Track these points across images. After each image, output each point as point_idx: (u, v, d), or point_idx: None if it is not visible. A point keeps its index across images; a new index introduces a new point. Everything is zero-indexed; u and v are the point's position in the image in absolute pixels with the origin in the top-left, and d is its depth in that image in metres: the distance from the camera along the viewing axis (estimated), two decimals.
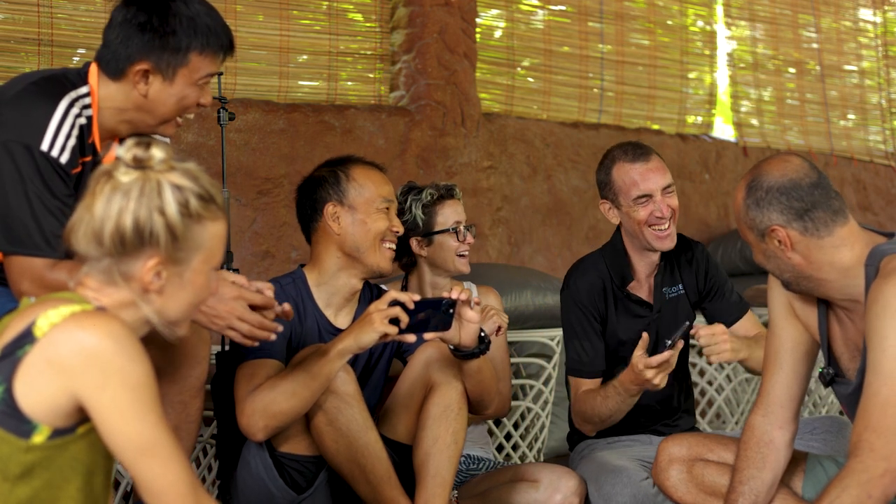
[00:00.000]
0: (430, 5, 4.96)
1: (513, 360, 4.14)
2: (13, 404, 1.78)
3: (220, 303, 2.54)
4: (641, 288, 3.40)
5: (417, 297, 2.76)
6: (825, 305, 2.67)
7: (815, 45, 6.85)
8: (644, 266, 3.39)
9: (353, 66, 4.94)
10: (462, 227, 3.53)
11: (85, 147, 2.60)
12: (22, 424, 1.79)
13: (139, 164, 1.83)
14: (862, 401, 2.44)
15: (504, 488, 3.22)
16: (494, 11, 5.44)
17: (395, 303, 2.74)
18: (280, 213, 4.48)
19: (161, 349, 2.79)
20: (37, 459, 1.81)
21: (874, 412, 2.39)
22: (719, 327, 3.13)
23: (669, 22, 6.15)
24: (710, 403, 5.03)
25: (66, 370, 1.76)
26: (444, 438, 2.91)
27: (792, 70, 6.77)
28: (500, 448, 4.25)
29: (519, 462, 4.24)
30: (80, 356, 1.76)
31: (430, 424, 2.92)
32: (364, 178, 3.07)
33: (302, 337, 3.01)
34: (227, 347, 3.13)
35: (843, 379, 2.69)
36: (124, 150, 1.83)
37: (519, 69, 5.55)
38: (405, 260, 3.61)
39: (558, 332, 4.39)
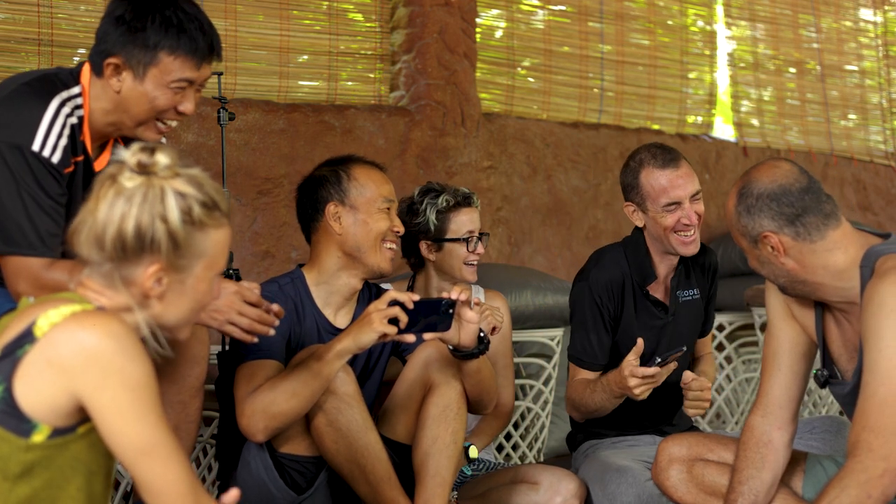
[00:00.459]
0: (430, 5, 4.95)
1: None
2: (13, 404, 1.78)
3: (220, 297, 2.55)
4: (659, 289, 3.41)
5: (417, 297, 2.76)
6: (822, 307, 2.67)
7: (815, 45, 6.85)
8: (664, 268, 3.40)
9: (353, 66, 4.94)
10: (474, 237, 3.52)
11: (77, 147, 2.60)
12: (22, 424, 1.79)
13: (143, 170, 1.82)
14: (860, 401, 2.44)
15: (504, 490, 3.23)
16: (495, 11, 5.44)
17: (394, 303, 2.74)
18: (280, 213, 4.49)
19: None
20: (37, 459, 1.81)
21: (872, 412, 2.40)
22: (705, 383, 3.17)
23: (670, 22, 6.15)
24: (710, 403, 5.02)
25: (66, 370, 1.76)
26: (444, 438, 2.91)
27: (792, 70, 6.77)
28: (500, 448, 4.25)
29: (519, 462, 4.24)
30: (81, 356, 1.76)
31: (430, 424, 2.92)
32: (365, 178, 3.07)
33: (301, 337, 3.01)
34: (227, 347, 3.13)
35: (837, 380, 2.69)
36: (129, 155, 1.83)
37: (519, 69, 5.55)
38: (413, 260, 3.61)
39: (558, 332, 4.39)
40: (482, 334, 2.91)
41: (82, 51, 4.15)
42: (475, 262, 3.54)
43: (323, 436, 2.86)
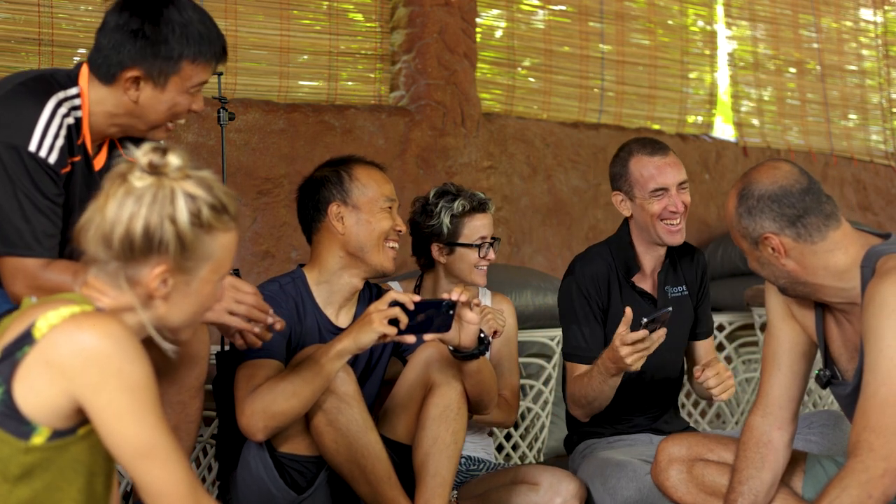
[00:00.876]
0: (430, 5, 4.95)
1: None
2: (13, 406, 1.78)
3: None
4: (646, 281, 3.43)
5: (418, 298, 2.76)
6: (822, 307, 2.67)
7: (815, 45, 6.85)
8: (649, 260, 3.42)
9: (354, 66, 4.94)
10: (486, 243, 3.53)
11: (74, 147, 2.60)
12: (21, 426, 1.78)
13: (154, 170, 1.82)
14: (860, 401, 2.44)
15: (504, 490, 3.23)
16: (495, 11, 5.44)
17: (395, 303, 2.74)
18: (280, 213, 4.48)
19: (160, 349, 2.80)
20: (36, 461, 1.80)
21: (873, 412, 2.39)
22: (720, 365, 3.15)
23: (670, 22, 6.15)
24: (710, 403, 5.03)
25: (64, 372, 1.76)
26: (444, 438, 2.91)
27: (792, 70, 6.76)
28: (500, 448, 4.25)
29: (519, 462, 4.24)
30: (79, 357, 1.75)
31: (430, 424, 2.92)
32: (367, 178, 3.07)
33: (301, 337, 3.01)
34: (226, 347, 3.13)
35: (839, 380, 2.69)
36: (141, 155, 1.82)
37: (519, 69, 5.55)
38: (423, 260, 3.62)
39: (558, 332, 4.39)
40: (482, 335, 2.91)
41: (82, 51, 4.15)
42: (485, 267, 3.55)
43: (323, 435, 2.86)
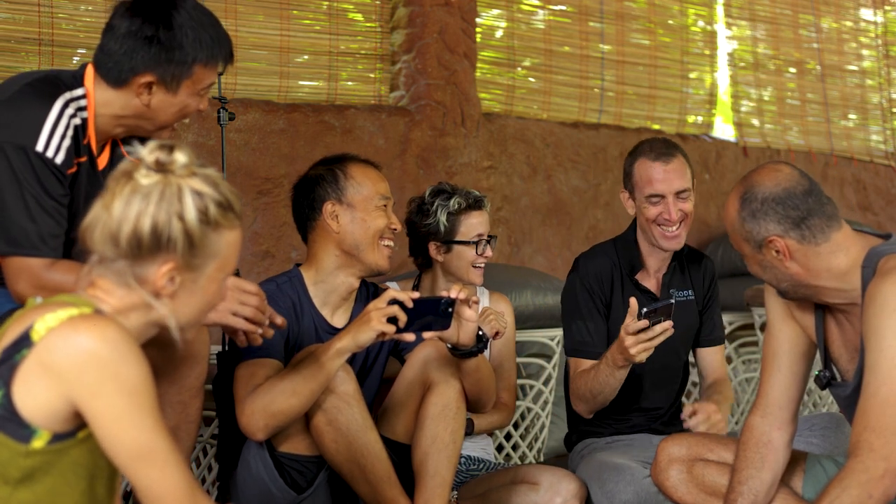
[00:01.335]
0: (430, 5, 4.95)
1: None
2: (12, 409, 1.77)
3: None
4: (650, 280, 3.43)
5: (416, 296, 2.76)
6: (822, 308, 2.67)
7: (815, 45, 6.85)
8: (654, 260, 3.43)
9: (354, 66, 4.94)
10: (483, 240, 3.53)
11: (80, 148, 2.60)
12: (21, 429, 1.78)
13: (161, 168, 1.81)
14: (861, 401, 2.44)
15: (504, 490, 3.23)
16: (495, 11, 5.44)
17: (393, 301, 2.74)
18: (280, 213, 4.48)
19: (160, 349, 2.79)
20: (37, 464, 1.80)
21: (873, 412, 2.39)
22: (710, 406, 3.12)
23: (670, 22, 6.15)
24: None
25: (62, 375, 1.75)
26: (443, 438, 2.91)
27: (792, 70, 6.76)
28: (499, 448, 4.25)
29: (519, 462, 4.24)
30: (76, 361, 1.74)
31: (429, 424, 2.92)
32: (362, 176, 3.07)
33: (299, 336, 3.01)
34: (226, 347, 3.13)
35: (839, 381, 2.69)
36: (147, 153, 1.82)
37: (519, 69, 5.55)
38: (420, 260, 3.62)
39: (558, 332, 4.39)
40: (481, 333, 2.91)
41: (82, 51, 4.14)
42: (482, 265, 3.56)
43: (323, 435, 2.86)
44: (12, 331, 1.81)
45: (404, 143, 4.90)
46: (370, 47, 4.97)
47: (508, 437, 4.30)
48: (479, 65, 5.25)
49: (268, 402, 2.80)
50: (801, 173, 2.58)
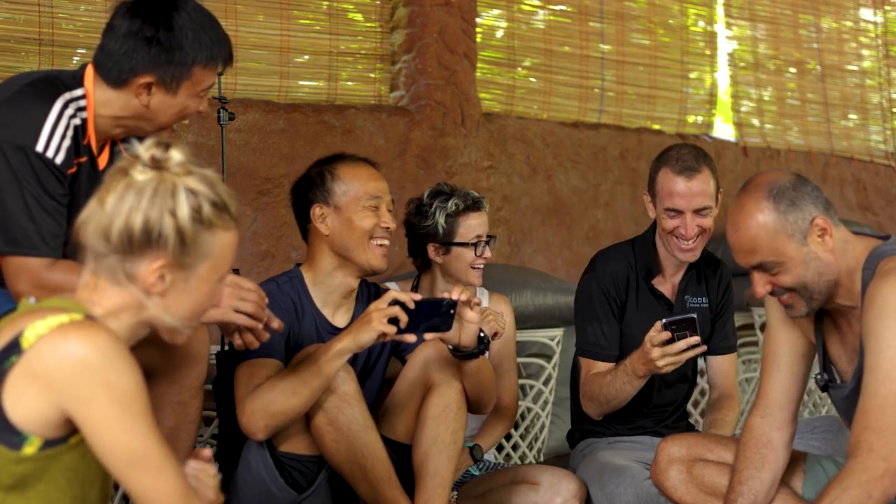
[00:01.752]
0: (430, 5, 4.95)
1: None
2: (2, 416, 1.76)
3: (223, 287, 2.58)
4: (665, 285, 3.42)
5: (418, 297, 2.76)
6: (821, 311, 2.67)
7: (815, 45, 6.85)
8: (671, 265, 3.41)
9: (354, 66, 4.94)
10: (482, 242, 3.53)
11: (80, 148, 2.60)
12: (12, 436, 1.77)
13: (157, 165, 1.81)
14: (860, 401, 2.44)
15: (504, 490, 3.23)
16: (495, 11, 5.44)
17: (395, 302, 2.74)
18: (280, 213, 4.48)
19: (160, 349, 2.79)
20: (29, 470, 1.79)
21: (873, 412, 2.40)
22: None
23: (670, 21, 6.15)
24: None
25: (52, 383, 1.74)
26: (444, 438, 2.91)
27: (792, 70, 6.76)
28: (500, 448, 4.25)
29: (519, 462, 4.24)
30: (66, 369, 1.73)
31: (430, 424, 2.92)
32: (350, 176, 3.05)
33: (300, 336, 3.01)
34: (226, 347, 3.13)
35: (838, 383, 2.69)
36: (143, 150, 1.81)
37: (519, 69, 5.55)
38: (419, 261, 3.61)
39: (558, 332, 4.39)
40: (482, 334, 2.90)
41: (82, 51, 4.14)
42: (481, 266, 3.55)
43: (323, 435, 2.86)
44: (2, 337, 1.79)
45: (404, 143, 4.90)
46: (370, 47, 4.97)
47: (508, 437, 4.30)
48: (479, 65, 5.25)
49: (268, 402, 2.80)
50: None
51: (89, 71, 2.63)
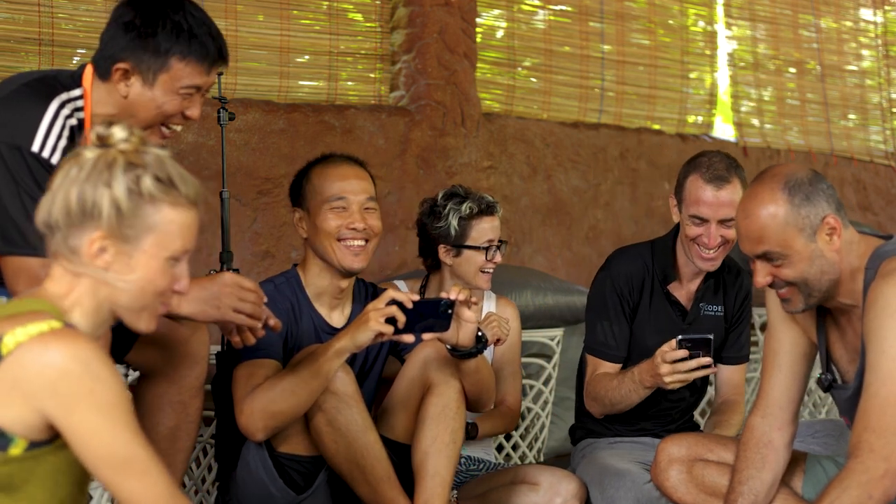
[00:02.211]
0: (430, 5, 4.95)
1: None
2: None
3: (222, 286, 2.56)
4: (681, 291, 3.39)
5: (416, 297, 2.77)
6: (823, 310, 2.67)
7: (815, 45, 6.84)
8: (689, 272, 3.37)
9: (354, 66, 4.94)
10: (493, 246, 3.53)
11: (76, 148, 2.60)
12: None
13: (102, 142, 1.83)
14: (861, 401, 2.44)
15: (504, 490, 3.23)
16: (495, 11, 5.44)
17: (392, 302, 2.74)
18: (280, 213, 4.48)
19: (160, 349, 2.80)
20: (15, 471, 1.79)
21: (873, 413, 2.40)
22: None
23: (670, 22, 6.15)
24: (710, 403, 5.03)
25: (33, 392, 1.74)
26: (443, 438, 2.91)
27: (792, 70, 6.76)
28: (500, 448, 4.25)
29: (519, 462, 4.24)
30: (47, 379, 1.74)
31: (429, 424, 2.92)
32: (319, 179, 3.05)
33: (298, 337, 3.01)
34: (225, 347, 3.13)
35: (840, 384, 2.69)
36: (93, 131, 1.85)
37: (519, 69, 5.55)
38: (429, 261, 3.61)
39: (558, 332, 4.39)
40: (480, 334, 2.90)
41: (82, 51, 4.14)
42: (491, 270, 3.55)
43: (322, 435, 2.86)
44: None
45: (404, 143, 4.90)
46: (370, 47, 4.97)
47: (508, 436, 4.30)
48: (479, 65, 5.25)
49: (267, 403, 2.80)
50: None
51: (88, 70, 2.63)
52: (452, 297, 2.77)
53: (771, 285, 2.58)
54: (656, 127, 6.04)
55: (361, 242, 3.01)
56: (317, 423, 2.85)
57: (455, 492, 3.29)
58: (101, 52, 2.61)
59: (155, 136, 2.66)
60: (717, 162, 3.26)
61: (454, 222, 3.50)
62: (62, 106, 2.57)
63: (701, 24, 6.32)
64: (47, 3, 4.07)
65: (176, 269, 1.89)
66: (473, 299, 2.83)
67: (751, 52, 6.56)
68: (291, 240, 4.48)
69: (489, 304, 3.70)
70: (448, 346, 2.90)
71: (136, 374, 2.96)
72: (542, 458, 4.39)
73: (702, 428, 3.57)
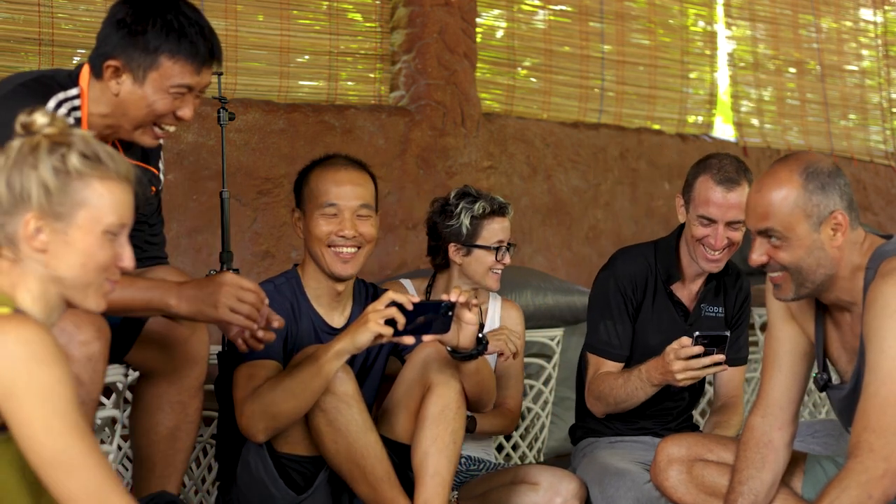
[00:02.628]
0: (430, 5, 4.95)
1: None
2: None
3: (220, 286, 2.56)
4: (683, 291, 3.39)
5: (416, 299, 2.76)
6: (822, 309, 2.67)
7: (815, 45, 6.85)
8: (692, 272, 3.38)
9: (354, 66, 4.94)
10: (503, 247, 3.53)
11: None
12: None
13: (26, 130, 1.85)
14: (861, 401, 2.44)
15: (504, 490, 3.23)
16: (495, 11, 5.44)
17: (392, 304, 2.74)
18: (280, 213, 4.48)
19: (160, 349, 2.80)
20: None
21: (873, 412, 2.39)
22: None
23: (670, 22, 6.15)
24: (710, 403, 5.03)
25: None
26: (443, 438, 2.91)
27: (792, 70, 6.76)
28: (500, 448, 4.25)
29: (519, 462, 4.24)
30: None
31: (429, 424, 2.92)
32: (315, 182, 3.04)
33: (298, 337, 3.01)
34: (226, 348, 3.13)
35: (837, 383, 2.69)
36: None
37: (519, 69, 5.55)
38: (439, 260, 3.61)
39: (558, 332, 4.39)
40: (480, 335, 2.90)
41: (82, 51, 4.14)
42: (500, 271, 3.55)
43: (322, 435, 2.86)
44: None
45: (404, 143, 4.90)
46: (370, 47, 4.97)
47: (508, 436, 4.29)
48: (479, 65, 5.25)
49: (267, 404, 2.80)
50: None
51: (85, 69, 2.63)
52: (453, 299, 2.76)
53: (765, 267, 2.57)
54: (656, 127, 6.04)
55: (352, 249, 3.00)
56: (317, 423, 2.85)
57: (455, 492, 3.29)
58: (95, 49, 2.61)
59: (148, 136, 2.65)
60: (727, 164, 3.27)
61: (466, 221, 3.51)
62: (58, 105, 2.57)
63: (701, 24, 6.32)
64: (47, 3, 4.07)
65: (115, 244, 1.89)
66: (474, 301, 2.82)
67: (751, 52, 6.56)
68: (291, 240, 4.49)
69: (494, 306, 3.70)
70: (448, 348, 2.90)
71: (136, 374, 2.96)
72: (542, 458, 4.39)
73: (701, 428, 3.57)
